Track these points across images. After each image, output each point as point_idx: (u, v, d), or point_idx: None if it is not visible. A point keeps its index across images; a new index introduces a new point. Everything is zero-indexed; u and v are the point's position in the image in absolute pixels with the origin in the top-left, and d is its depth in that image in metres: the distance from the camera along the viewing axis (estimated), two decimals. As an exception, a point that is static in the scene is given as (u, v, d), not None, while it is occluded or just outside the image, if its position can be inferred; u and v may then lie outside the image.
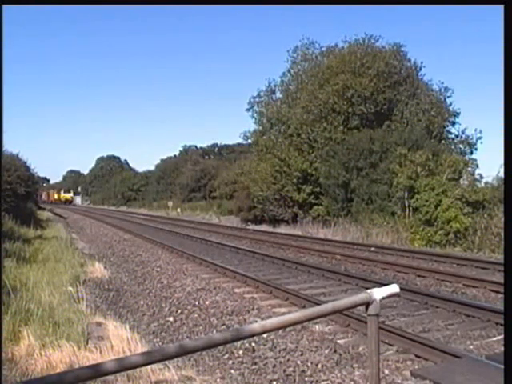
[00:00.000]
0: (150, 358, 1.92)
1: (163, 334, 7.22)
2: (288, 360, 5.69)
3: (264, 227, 26.20)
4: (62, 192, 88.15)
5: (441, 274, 10.47)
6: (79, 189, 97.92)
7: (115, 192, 75.81)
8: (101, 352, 5.34)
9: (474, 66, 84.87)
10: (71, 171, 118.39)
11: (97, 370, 1.80)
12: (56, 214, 42.72)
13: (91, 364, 2.06)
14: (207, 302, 8.66)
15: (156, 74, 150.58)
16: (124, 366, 1.88)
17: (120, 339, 5.81)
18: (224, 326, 7.23)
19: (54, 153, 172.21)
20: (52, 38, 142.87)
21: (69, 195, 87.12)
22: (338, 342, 6.22)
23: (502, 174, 18.17)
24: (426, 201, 17.43)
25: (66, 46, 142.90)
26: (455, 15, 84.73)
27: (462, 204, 17.10)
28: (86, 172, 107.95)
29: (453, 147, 24.28)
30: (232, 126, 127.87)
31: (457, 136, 25.39)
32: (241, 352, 6.00)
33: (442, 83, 25.91)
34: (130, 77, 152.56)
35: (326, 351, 5.87)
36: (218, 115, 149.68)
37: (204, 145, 70.73)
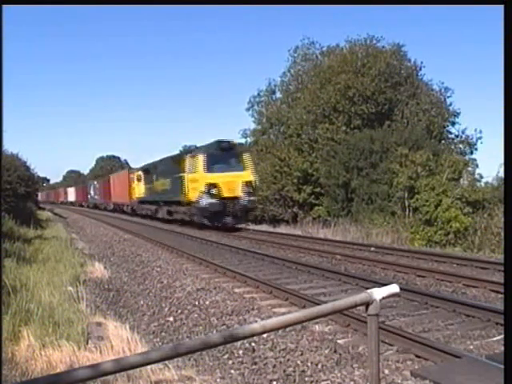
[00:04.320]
0: (148, 359, 1.92)
1: (163, 333, 7.22)
2: (288, 360, 5.68)
3: (264, 227, 26.15)
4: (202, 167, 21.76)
5: (441, 274, 10.44)
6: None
7: (115, 192, 75.34)
8: (101, 352, 5.33)
9: (473, 66, 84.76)
10: (71, 171, 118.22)
11: (95, 371, 1.80)
12: (56, 214, 42.72)
13: (89, 364, 2.06)
14: (207, 302, 8.65)
15: (156, 74, 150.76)
16: (122, 366, 1.88)
17: (120, 339, 5.81)
18: (224, 326, 7.22)
19: (54, 153, 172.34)
20: (53, 38, 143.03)
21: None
22: (338, 341, 6.21)
23: (501, 174, 18.20)
24: (426, 201, 17.44)
25: (67, 46, 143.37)
26: (455, 15, 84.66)
27: (462, 204, 17.11)
28: (86, 172, 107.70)
29: (453, 147, 24.35)
30: (232, 126, 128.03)
31: (457, 136, 25.49)
32: (241, 352, 5.99)
33: (442, 83, 26.07)
34: (130, 77, 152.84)
35: (326, 351, 5.86)
36: (218, 115, 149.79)
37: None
